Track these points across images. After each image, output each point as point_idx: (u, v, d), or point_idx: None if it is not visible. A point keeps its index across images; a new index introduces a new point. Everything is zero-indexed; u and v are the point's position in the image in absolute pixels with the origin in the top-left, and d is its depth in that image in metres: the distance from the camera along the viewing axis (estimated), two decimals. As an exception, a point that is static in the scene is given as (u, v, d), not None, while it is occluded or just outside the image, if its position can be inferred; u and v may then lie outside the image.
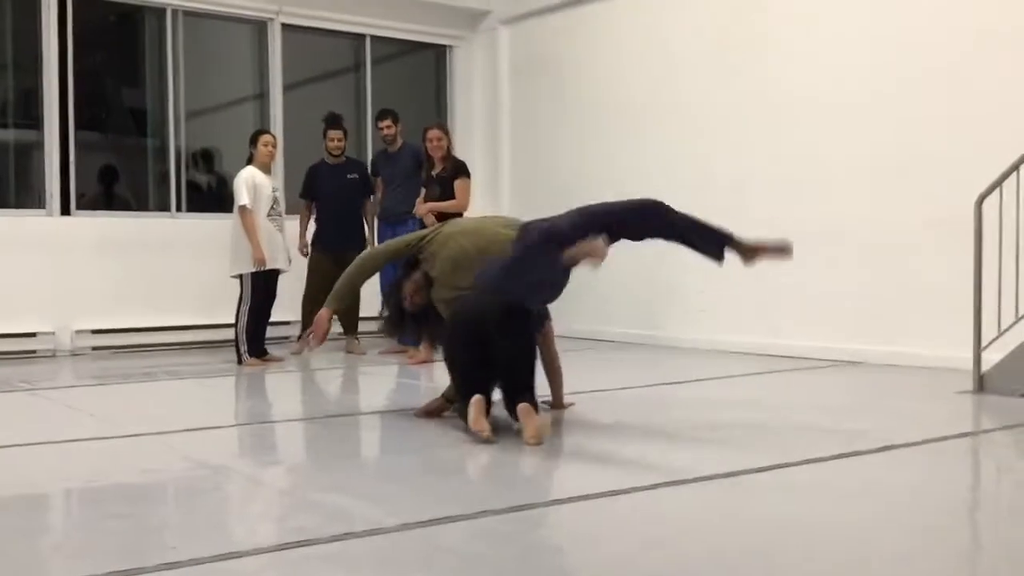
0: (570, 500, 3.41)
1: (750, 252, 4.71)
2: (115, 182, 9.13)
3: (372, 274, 5.23)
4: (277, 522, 3.28)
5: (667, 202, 4.75)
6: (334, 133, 8.23)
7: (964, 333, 5.84)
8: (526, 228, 4.72)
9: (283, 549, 2.84)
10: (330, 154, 8.25)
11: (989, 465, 4.38)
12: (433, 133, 7.81)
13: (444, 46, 10.60)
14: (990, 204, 5.72)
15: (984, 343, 5.76)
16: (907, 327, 6.95)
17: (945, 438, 4.51)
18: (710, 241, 4.74)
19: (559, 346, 5.18)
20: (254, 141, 7.63)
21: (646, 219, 4.79)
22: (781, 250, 4.72)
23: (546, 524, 3.22)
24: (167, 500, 3.63)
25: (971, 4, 6.68)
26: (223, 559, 2.72)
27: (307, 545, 2.84)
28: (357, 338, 8.29)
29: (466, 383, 4.43)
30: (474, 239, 4.73)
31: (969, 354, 5.80)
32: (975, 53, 6.63)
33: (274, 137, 7.82)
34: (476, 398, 4.27)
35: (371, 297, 8.30)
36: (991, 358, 5.73)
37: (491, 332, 4.32)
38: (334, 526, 3.02)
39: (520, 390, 4.30)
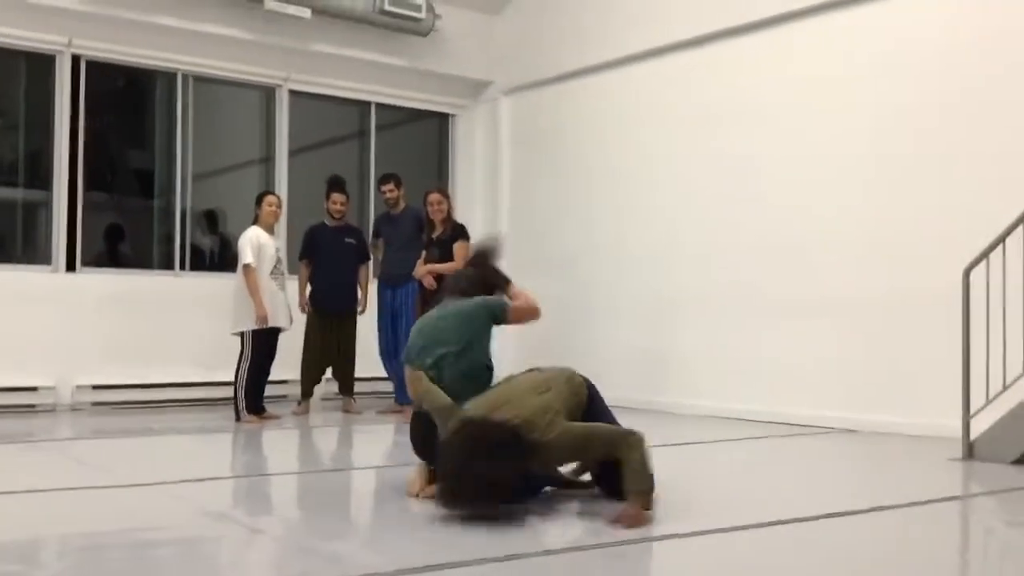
0: (564, 551, 3.48)
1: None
2: (120, 241, 9.28)
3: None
4: (276, 567, 3.34)
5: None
6: (337, 196, 8.38)
7: (954, 401, 5.93)
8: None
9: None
10: (331, 216, 8.40)
11: (975, 528, 4.45)
12: (434, 197, 7.99)
13: (447, 114, 10.85)
14: (977, 275, 5.86)
15: (973, 411, 5.85)
16: (899, 396, 7.03)
17: (932, 501, 4.58)
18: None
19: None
20: (259, 202, 7.80)
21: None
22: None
23: (541, 573, 3.28)
24: (166, 545, 3.67)
25: (958, 79, 6.89)
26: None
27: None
28: (353, 398, 8.37)
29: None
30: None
31: (959, 422, 5.89)
32: (963, 127, 6.83)
33: (279, 198, 7.99)
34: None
35: (366, 359, 8.46)
36: (980, 426, 5.82)
37: None
38: (331, 570, 3.08)
39: None
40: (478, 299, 4.71)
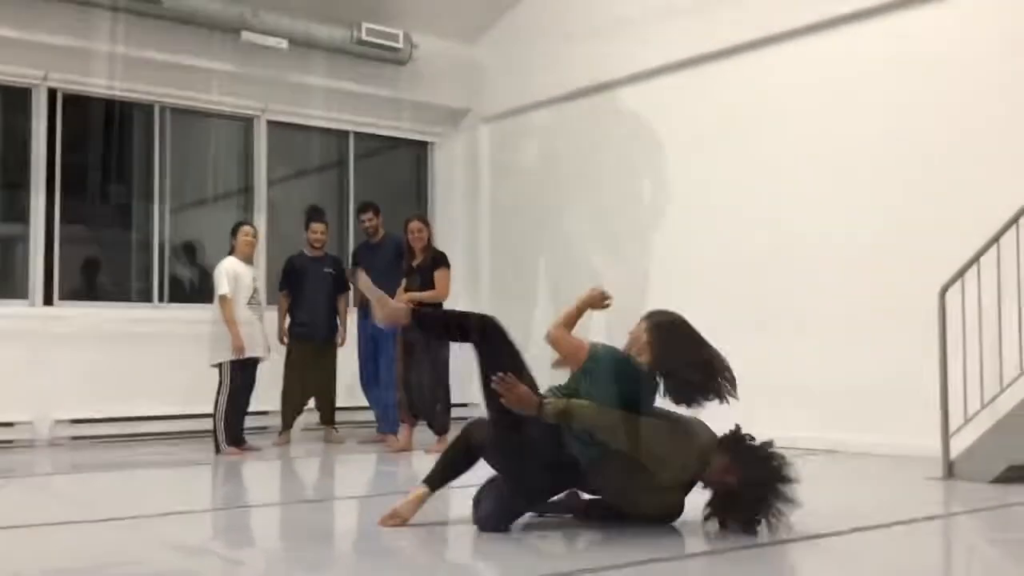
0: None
1: None
2: (97, 274, 9.22)
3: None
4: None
5: None
6: (317, 226, 8.39)
7: (934, 421, 5.94)
8: None
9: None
10: (311, 246, 8.39)
11: (956, 547, 4.45)
12: (414, 224, 7.97)
13: (426, 142, 10.87)
14: (953, 294, 5.90)
15: (952, 430, 5.86)
16: (879, 416, 7.03)
17: (914, 521, 4.59)
18: None
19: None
20: (235, 232, 7.79)
21: None
22: None
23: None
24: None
25: (934, 101, 6.97)
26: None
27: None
28: (335, 428, 8.33)
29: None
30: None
31: (938, 442, 5.90)
32: (937, 148, 6.89)
33: (254, 228, 7.98)
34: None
35: (346, 389, 8.43)
36: (960, 445, 5.83)
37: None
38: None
39: None
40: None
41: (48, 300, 8.50)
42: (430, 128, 10.73)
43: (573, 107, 9.64)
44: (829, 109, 7.57)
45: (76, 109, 8.84)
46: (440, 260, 7.94)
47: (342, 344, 8.40)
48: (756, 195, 8.01)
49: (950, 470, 5.82)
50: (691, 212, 8.50)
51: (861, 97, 7.39)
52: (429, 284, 7.81)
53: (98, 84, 8.78)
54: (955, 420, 5.84)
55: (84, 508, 5.15)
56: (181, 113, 9.31)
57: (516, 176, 10.29)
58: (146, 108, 9.14)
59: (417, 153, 10.96)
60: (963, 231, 6.24)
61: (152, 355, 8.55)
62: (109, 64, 8.71)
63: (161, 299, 9.02)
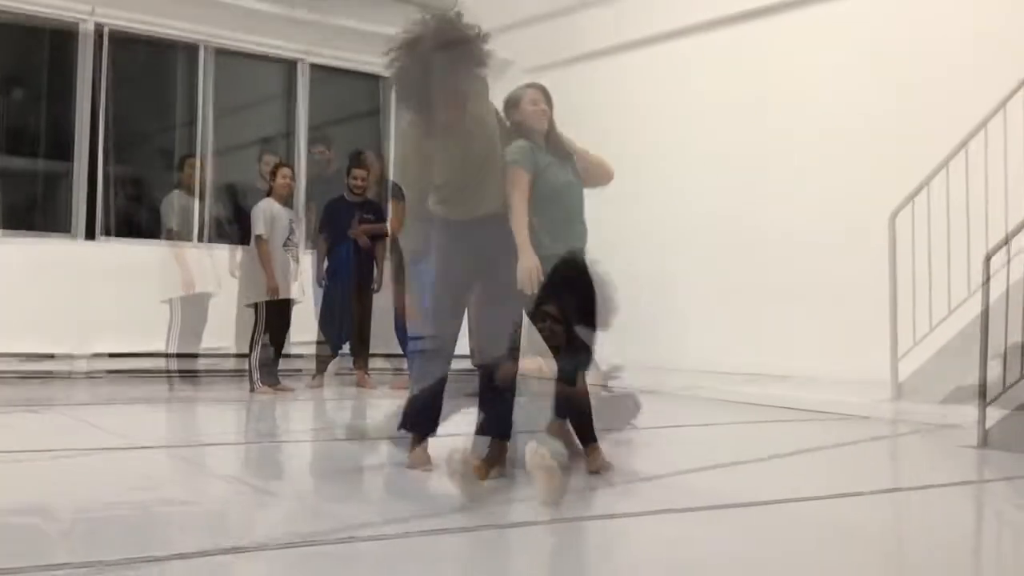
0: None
1: None
2: (48, 208, 8.96)
3: None
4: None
5: None
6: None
7: (884, 344, 6.12)
8: None
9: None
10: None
11: (904, 463, 4.70)
12: (368, 157, 7.93)
13: (378, 75, 10.63)
14: (903, 219, 6.10)
15: (901, 352, 6.07)
16: (830, 340, 7.07)
17: (857, 442, 4.80)
18: None
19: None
20: (181, 166, 7.64)
21: None
22: None
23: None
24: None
25: (887, 40, 7.10)
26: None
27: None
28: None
29: None
30: None
31: (887, 364, 6.11)
32: (895, 79, 6.99)
33: (200, 161, 7.80)
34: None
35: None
36: (909, 367, 6.05)
37: None
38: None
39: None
40: None
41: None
42: (384, 59, 10.44)
43: (531, 33, 9.46)
44: (786, 46, 7.64)
45: (17, 40, 8.52)
46: (394, 192, 7.89)
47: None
48: (702, 126, 8.09)
49: (900, 391, 6.05)
50: (670, 163, 8.47)
51: (818, 36, 7.48)
52: (383, 217, 7.81)
53: (37, 11, 8.43)
54: (905, 343, 6.05)
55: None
56: (123, 40, 8.97)
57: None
58: (93, 36, 8.78)
59: (371, 84, 10.70)
60: (913, 160, 6.36)
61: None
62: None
63: (106, 233, 8.78)
